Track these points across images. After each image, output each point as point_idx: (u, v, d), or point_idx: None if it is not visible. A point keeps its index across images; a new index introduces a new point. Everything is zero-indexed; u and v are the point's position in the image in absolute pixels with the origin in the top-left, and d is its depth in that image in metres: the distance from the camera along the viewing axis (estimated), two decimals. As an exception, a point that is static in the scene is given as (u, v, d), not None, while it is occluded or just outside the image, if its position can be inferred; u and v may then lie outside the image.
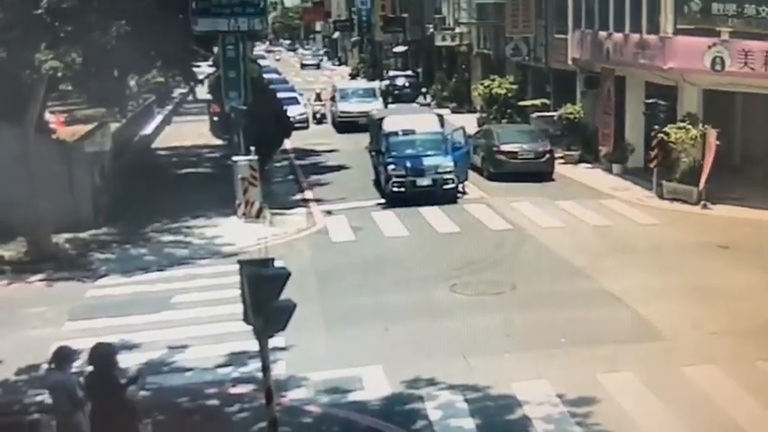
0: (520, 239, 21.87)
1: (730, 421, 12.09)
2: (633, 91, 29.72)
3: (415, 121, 28.94)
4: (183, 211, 26.30)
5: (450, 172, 26.34)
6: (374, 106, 42.38)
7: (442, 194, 26.09)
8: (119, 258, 21.98)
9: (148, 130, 45.46)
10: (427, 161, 26.65)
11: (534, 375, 13.64)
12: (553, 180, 29.24)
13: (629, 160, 29.36)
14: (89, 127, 28.94)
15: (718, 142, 24.41)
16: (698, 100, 26.44)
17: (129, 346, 15.39)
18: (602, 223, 23.36)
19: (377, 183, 28.57)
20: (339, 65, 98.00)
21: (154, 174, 33.97)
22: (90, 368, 10.15)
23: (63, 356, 10.25)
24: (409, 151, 27.20)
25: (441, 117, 30.06)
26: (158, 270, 20.82)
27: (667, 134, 25.28)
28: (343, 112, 44.54)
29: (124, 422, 9.89)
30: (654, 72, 27.13)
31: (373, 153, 29.59)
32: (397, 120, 29.00)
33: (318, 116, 48.18)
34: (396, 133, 27.79)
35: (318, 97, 49.66)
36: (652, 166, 26.09)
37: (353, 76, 68.49)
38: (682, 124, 25.48)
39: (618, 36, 29.15)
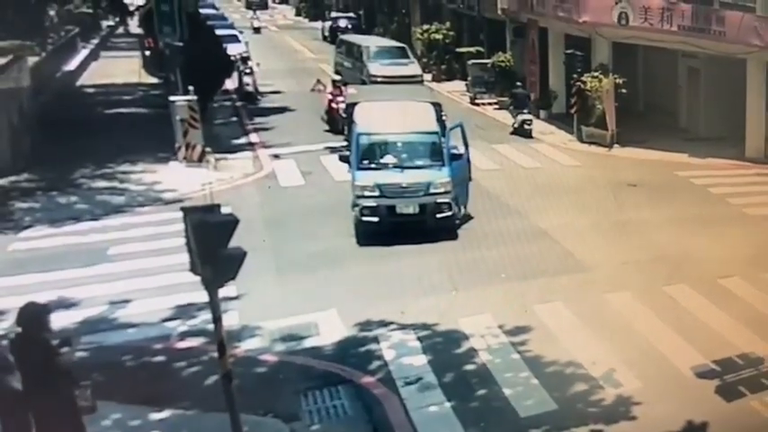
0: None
1: (642, 339, 12.80)
2: (554, 41, 30.03)
3: (401, 112, 18.51)
4: (116, 156, 22.64)
5: (446, 193, 17.04)
6: (412, 71, 33.01)
7: (435, 226, 17.00)
8: (45, 207, 18.64)
9: (72, 65, 38.25)
10: (413, 176, 17.15)
11: (478, 310, 13.65)
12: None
13: (553, 106, 29.68)
14: (3, 60, 23.00)
15: (623, 90, 25.21)
16: (608, 52, 27.00)
17: (63, 304, 13.29)
18: (533, 165, 23.59)
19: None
20: (280, 3, 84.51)
21: (81, 114, 28.80)
22: (18, 330, 8.39)
23: None
24: (388, 159, 17.51)
25: (438, 107, 19.54)
26: (92, 219, 17.93)
27: (584, 83, 25.87)
28: (374, 76, 32.09)
29: (58, 388, 8.27)
30: (571, 24, 27.55)
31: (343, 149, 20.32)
32: (375, 109, 18.73)
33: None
34: (370, 132, 17.79)
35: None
36: (572, 112, 26.68)
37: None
38: (595, 74, 26.03)
39: (541, -11, 29.06)
